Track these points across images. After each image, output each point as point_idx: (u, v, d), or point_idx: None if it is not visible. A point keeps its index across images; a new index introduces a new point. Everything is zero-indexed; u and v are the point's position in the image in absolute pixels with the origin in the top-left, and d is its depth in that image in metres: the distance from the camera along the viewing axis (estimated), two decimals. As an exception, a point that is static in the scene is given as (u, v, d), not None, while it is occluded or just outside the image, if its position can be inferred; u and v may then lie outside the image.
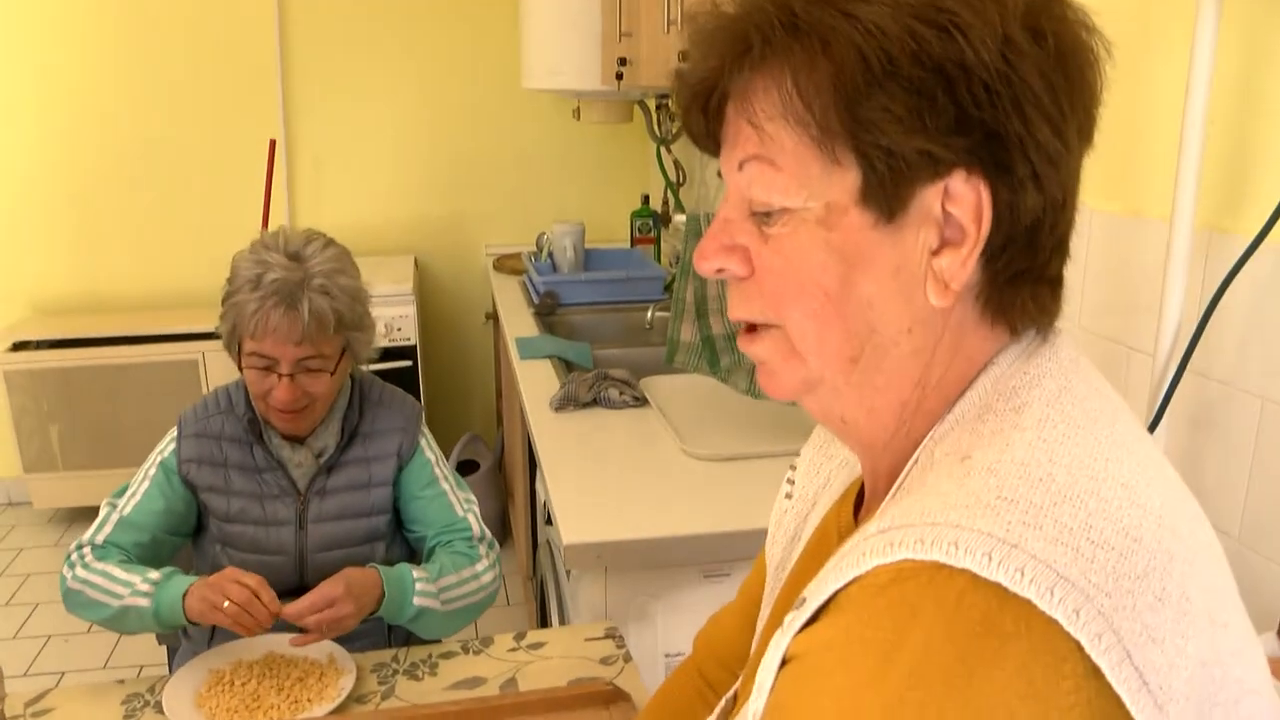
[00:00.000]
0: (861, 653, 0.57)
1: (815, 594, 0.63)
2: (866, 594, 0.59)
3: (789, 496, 0.98)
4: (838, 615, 0.61)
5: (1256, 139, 1.28)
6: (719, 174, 0.76)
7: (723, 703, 0.93)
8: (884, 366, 0.71)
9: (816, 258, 0.68)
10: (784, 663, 0.64)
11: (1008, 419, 0.66)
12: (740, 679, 0.93)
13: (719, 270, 0.74)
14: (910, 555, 0.57)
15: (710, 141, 0.76)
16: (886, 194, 0.66)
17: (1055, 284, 0.72)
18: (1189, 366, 1.35)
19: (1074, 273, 1.60)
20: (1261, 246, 1.23)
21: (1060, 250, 0.71)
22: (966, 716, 0.54)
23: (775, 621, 0.83)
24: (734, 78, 0.70)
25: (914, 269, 0.68)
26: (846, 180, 0.67)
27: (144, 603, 1.63)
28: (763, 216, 0.71)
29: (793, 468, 1.01)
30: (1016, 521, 0.57)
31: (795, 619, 0.64)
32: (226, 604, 1.53)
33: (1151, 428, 1.38)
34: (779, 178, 0.69)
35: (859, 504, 0.84)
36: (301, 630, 1.58)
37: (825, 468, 0.95)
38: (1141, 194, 1.48)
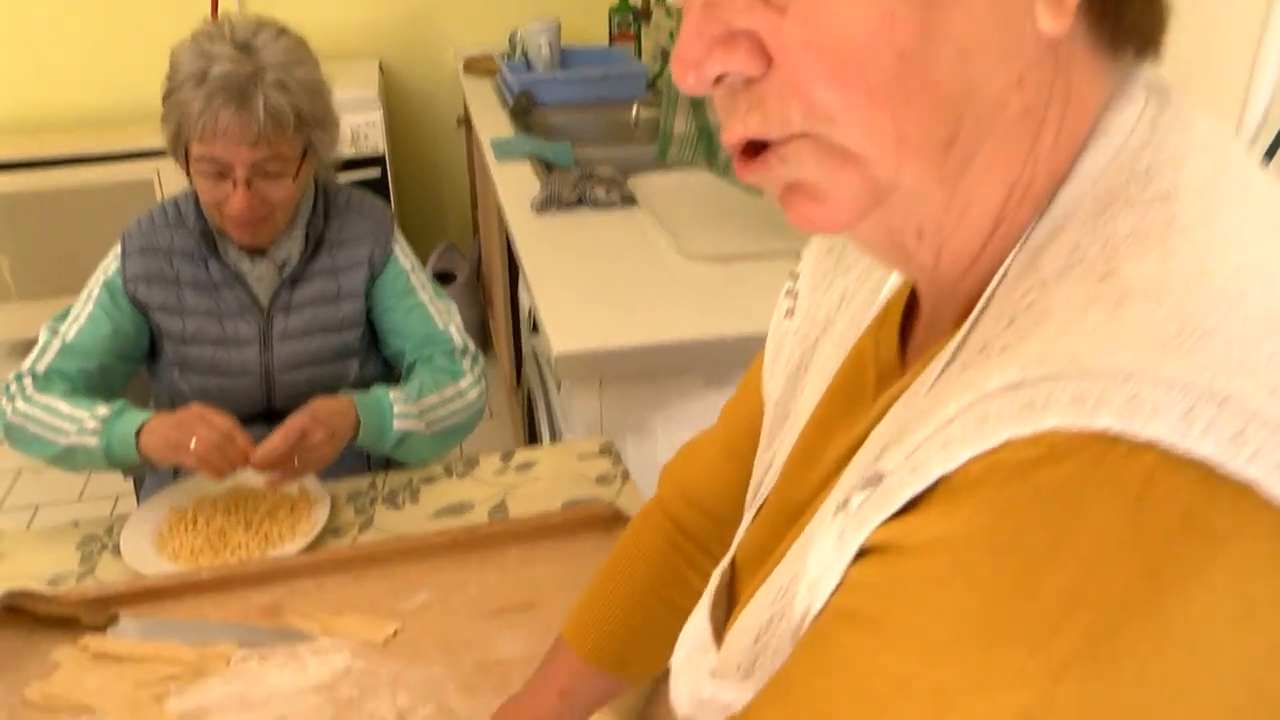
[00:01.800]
0: (995, 563, 0.41)
1: (905, 476, 0.45)
2: (1000, 477, 0.41)
3: (790, 314, 0.78)
4: (953, 506, 0.42)
5: None
6: None
7: (718, 576, 0.73)
8: (988, 143, 0.50)
9: (877, 7, 0.46)
10: (860, 553, 0.47)
11: (1154, 213, 0.46)
12: (736, 545, 0.74)
13: (718, 78, 0.51)
14: (1063, 422, 0.39)
15: None
16: None
17: None
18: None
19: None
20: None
21: None
22: (1152, 655, 0.38)
23: (798, 482, 0.64)
24: None
25: None
26: None
27: (92, 441, 1.48)
28: None
29: (794, 276, 0.79)
30: (1218, 363, 0.38)
31: (871, 504, 0.47)
32: (193, 443, 1.39)
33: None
34: None
35: (904, 333, 0.63)
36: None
37: (840, 281, 0.73)
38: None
